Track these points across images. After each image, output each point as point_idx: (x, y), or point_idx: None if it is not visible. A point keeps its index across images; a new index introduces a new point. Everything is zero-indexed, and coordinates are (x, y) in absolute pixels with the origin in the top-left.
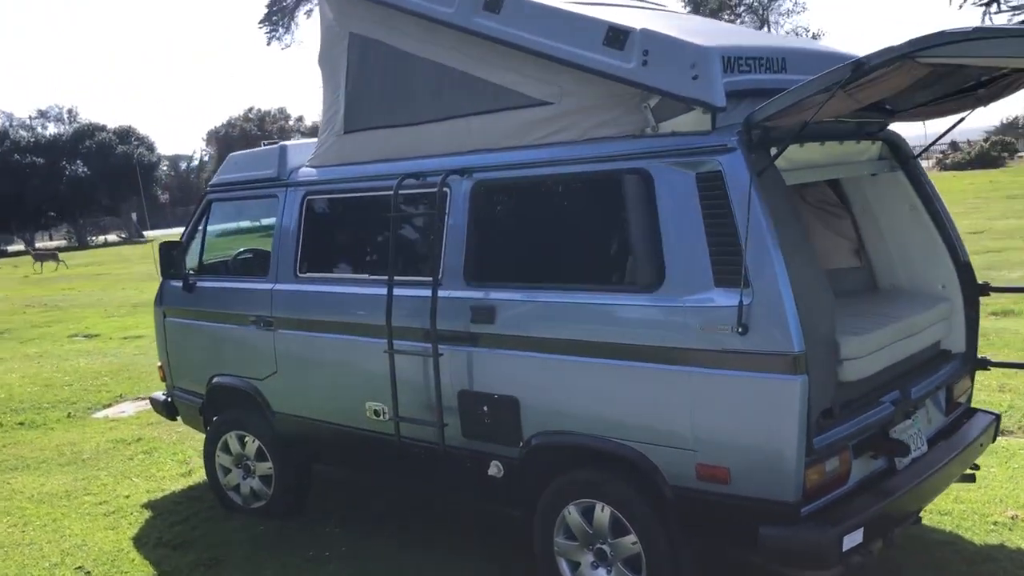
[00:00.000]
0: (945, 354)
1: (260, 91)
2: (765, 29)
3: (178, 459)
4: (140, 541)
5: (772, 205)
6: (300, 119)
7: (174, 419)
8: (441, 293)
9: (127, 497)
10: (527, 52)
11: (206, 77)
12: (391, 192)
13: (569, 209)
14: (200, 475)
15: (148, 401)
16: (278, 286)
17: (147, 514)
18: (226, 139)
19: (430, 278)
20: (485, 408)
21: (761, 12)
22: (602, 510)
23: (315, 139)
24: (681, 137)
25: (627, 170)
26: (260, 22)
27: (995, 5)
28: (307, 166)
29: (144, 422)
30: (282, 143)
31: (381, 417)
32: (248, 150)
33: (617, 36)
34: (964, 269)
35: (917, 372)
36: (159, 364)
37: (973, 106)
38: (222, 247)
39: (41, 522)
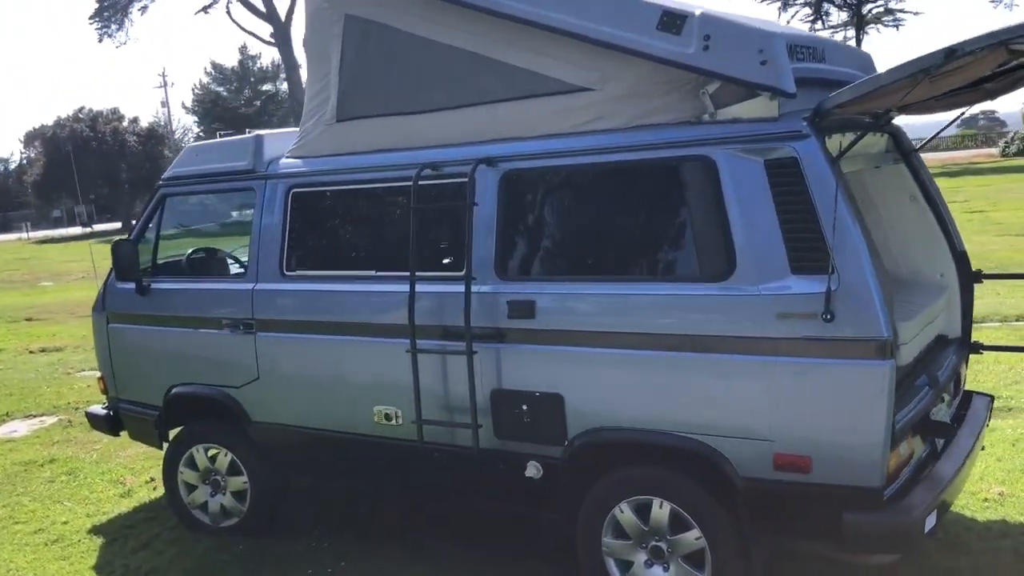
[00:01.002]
0: (946, 340)
1: (91, 90)
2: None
3: (109, 479)
4: (103, 571)
5: (847, 192)
6: (135, 120)
7: (117, 434)
8: (472, 288)
9: (65, 523)
10: (565, 35)
11: (24, 75)
12: (405, 183)
13: (620, 198)
14: (143, 495)
15: (86, 416)
16: (260, 286)
17: (98, 541)
18: (54, 140)
19: (458, 273)
20: (524, 407)
21: None
22: (660, 506)
23: (289, 129)
24: (747, 124)
25: (687, 157)
26: (90, 18)
27: None
28: (289, 157)
29: (47, 441)
30: (257, 132)
31: (394, 421)
32: (211, 140)
33: (673, 20)
34: (961, 258)
35: (934, 357)
36: (99, 375)
37: (983, 99)
38: (181, 246)
39: None
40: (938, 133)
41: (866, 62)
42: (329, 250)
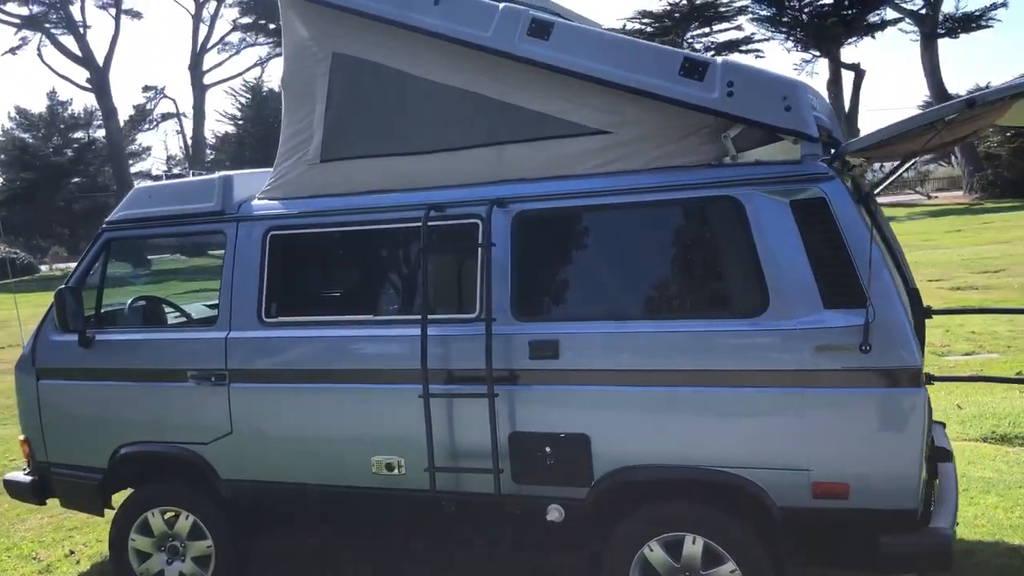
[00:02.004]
0: None
1: None
2: None
3: (18, 555)
4: None
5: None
6: None
7: (43, 503)
8: (483, 329)
9: None
10: (584, 80)
11: None
12: (406, 224)
13: (644, 238)
14: (66, 570)
15: (3, 484)
16: (235, 334)
17: None
18: None
19: (470, 315)
20: (547, 449)
21: None
22: (693, 542)
23: (257, 170)
24: (771, 166)
25: (713, 198)
26: None
27: None
28: (262, 198)
29: None
30: (223, 173)
31: (396, 471)
32: (166, 182)
33: (695, 67)
34: (913, 294)
35: None
36: (22, 438)
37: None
38: (127, 294)
39: None
40: (893, 175)
41: (830, 110)
42: (317, 295)
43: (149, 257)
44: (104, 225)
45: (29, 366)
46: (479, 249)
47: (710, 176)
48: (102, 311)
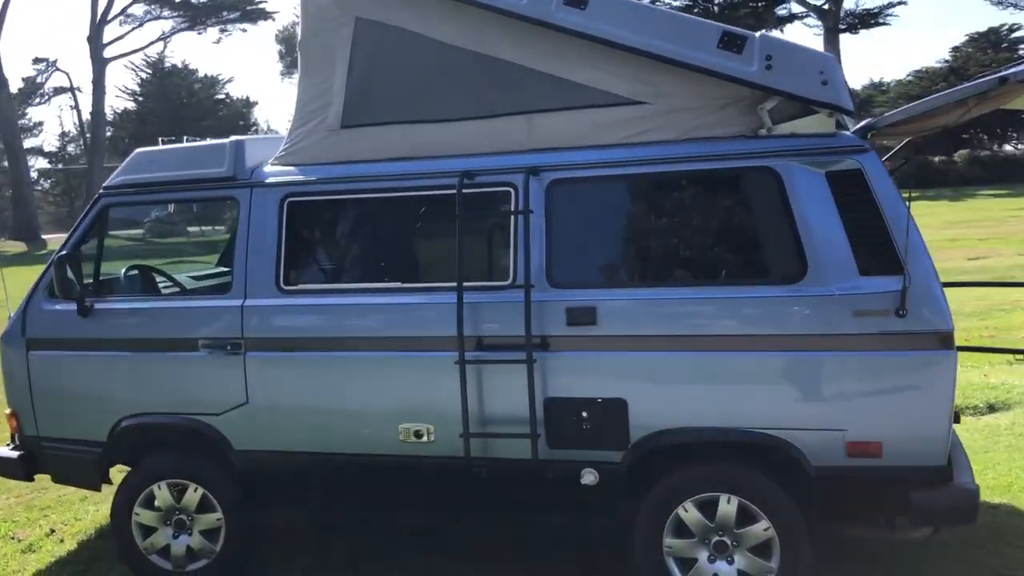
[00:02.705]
0: None
1: None
2: None
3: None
4: None
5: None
6: None
7: (31, 479)
8: (517, 296)
9: None
10: (622, 50)
11: None
12: (436, 192)
13: (682, 207)
14: (51, 548)
15: None
16: (251, 302)
17: None
18: None
19: (504, 282)
20: (583, 414)
21: None
22: (728, 501)
23: (267, 135)
24: (808, 138)
25: (751, 168)
26: None
27: None
28: (276, 164)
29: None
30: (235, 138)
31: (425, 438)
32: (169, 146)
33: (734, 40)
34: None
35: None
36: (8, 412)
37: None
38: (128, 262)
39: None
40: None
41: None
42: (341, 263)
43: (147, 223)
44: (101, 190)
45: (18, 337)
46: (512, 217)
47: (748, 147)
48: (101, 279)
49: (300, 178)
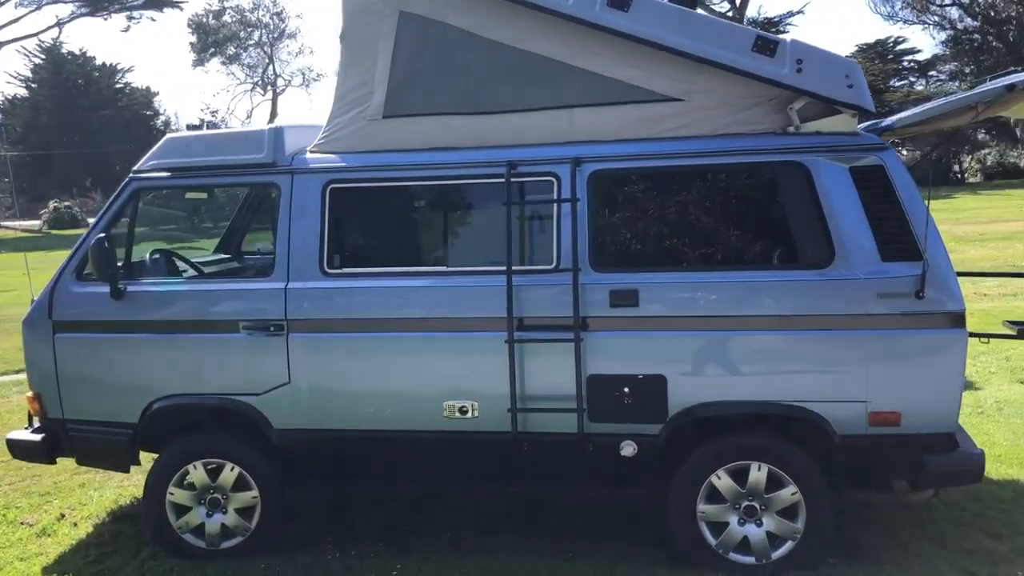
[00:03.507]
0: None
1: None
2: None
3: (3, 520)
4: None
5: None
6: None
7: (53, 462)
8: (561, 279)
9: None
10: (661, 50)
11: None
12: (481, 180)
13: (718, 197)
14: (67, 532)
15: (7, 444)
16: (295, 285)
17: None
18: None
19: (548, 266)
20: (624, 389)
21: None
22: (759, 469)
23: (304, 123)
24: (833, 136)
25: (783, 162)
26: None
27: None
28: (317, 152)
29: None
30: (273, 125)
31: (470, 414)
32: (205, 132)
33: (767, 44)
34: None
35: None
36: (30, 394)
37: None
38: (154, 244)
39: None
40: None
41: None
42: (384, 247)
43: (205, 205)
44: (132, 174)
45: (44, 319)
46: (556, 205)
47: (780, 143)
48: (132, 261)
49: (343, 165)
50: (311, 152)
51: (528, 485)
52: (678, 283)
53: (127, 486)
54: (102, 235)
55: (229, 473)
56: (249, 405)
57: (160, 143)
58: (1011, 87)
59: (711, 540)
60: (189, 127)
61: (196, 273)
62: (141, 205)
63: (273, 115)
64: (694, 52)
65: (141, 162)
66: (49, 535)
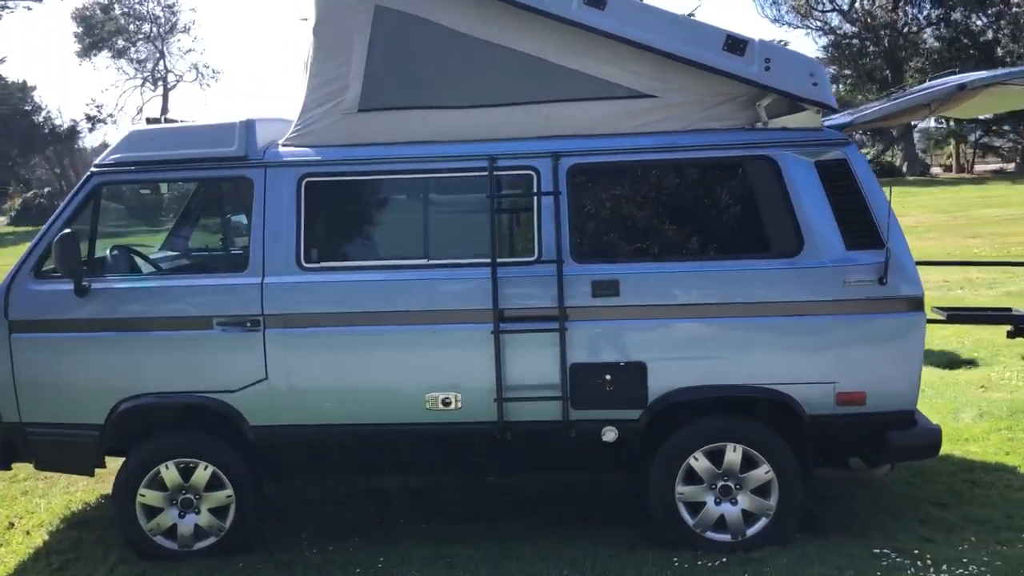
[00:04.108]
0: None
1: None
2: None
3: None
4: None
5: None
6: None
7: (8, 467)
8: (543, 271)
9: None
10: (636, 48)
11: None
12: (460, 174)
13: (691, 189)
14: (20, 540)
15: None
16: (272, 279)
17: None
18: None
19: (530, 259)
20: (607, 376)
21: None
22: (734, 450)
23: (274, 117)
24: (798, 131)
25: (752, 156)
26: None
27: None
28: (291, 145)
29: None
30: (244, 118)
31: (453, 406)
32: (169, 125)
33: (737, 43)
34: None
35: None
36: None
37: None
38: (117, 240)
39: None
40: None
41: None
42: (364, 241)
43: (139, 201)
44: (93, 169)
45: (0, 319)
46: (536, 198)
47: (749, 138)
48: (95, 258)
49: (320, 158)
50: (283, 146)
51: (511, 473)
52: (657, 273)
53: (74, 492)
54: (68, 231)
55: (202, 472)
56: (223, 402)
57: (123, 136)
58: (962, 86)
59: (689, 520)
60: (149, 120)
61: (155, 270)
62: (103, 201)
63: (164, 111)
64: (668, 50)
65: (103, 156)
66: (1, 545)
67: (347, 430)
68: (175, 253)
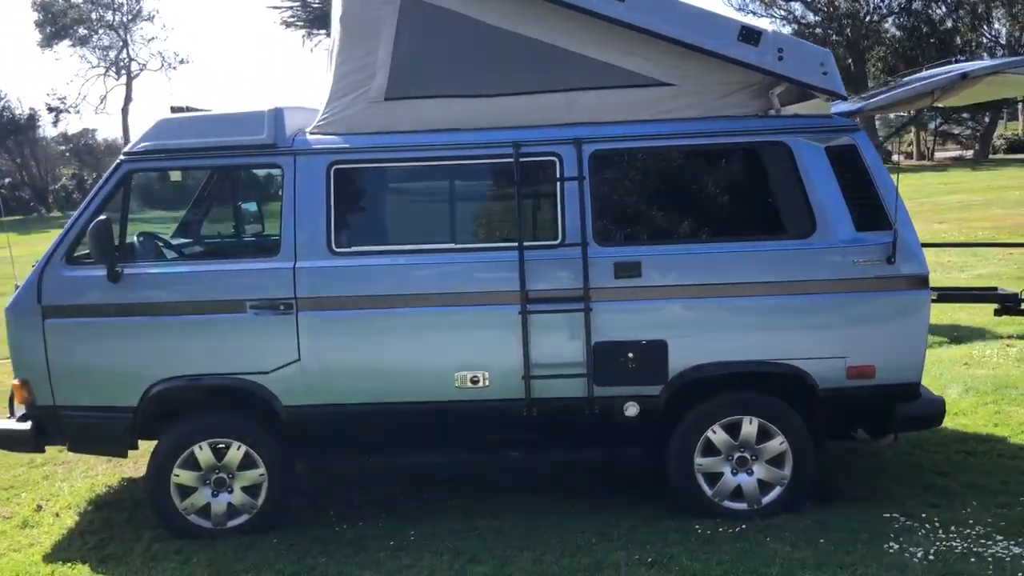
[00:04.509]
0: None
1: None
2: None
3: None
4: None
5: None
6: None
7: (41, 450)
8: (566, 253)
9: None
10: (656, 38)
11: None
12: (485, 161)
13: (709, 174)
14: (51, 522)
15: None
16: (304, 264)
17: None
18: None
19: (554, 242)
20: (629, 354)
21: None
22: (750, 423)
23: (296, 105)
24: (809, 118)
25: (766, 142)
26: None
27: None
28: (318, 133)
29: None
30: (273, 106)
31: (481, 384)
32: (199, 113)
33: (751, 34)
34: None
35: None
36: (16, 382)
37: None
38: (148, 227)
39: None
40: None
41: None
42: (393, 225)
43: (196, 187)
44: (123, 156)
45: (32, 305)
46: (559, 183)
47: (763, 124)
48: (126, 244)
49: (348, 146)
50: (311, 134)
51: (535, 448)
52: (677, 255)
53: (95, 476)
54: (104, 217)
55: (235, 452)
56: (257, 383)
57: (153, 124)
58: (965, 75)
59: (707, 490)
60: (173, 109)
61: (181, 256)
62: (133, 187)
63: (128, 100)
64: (687, 41)
65: (132, 144)
66: (33, 526)
67: (377, 408)
68: (197, 239)
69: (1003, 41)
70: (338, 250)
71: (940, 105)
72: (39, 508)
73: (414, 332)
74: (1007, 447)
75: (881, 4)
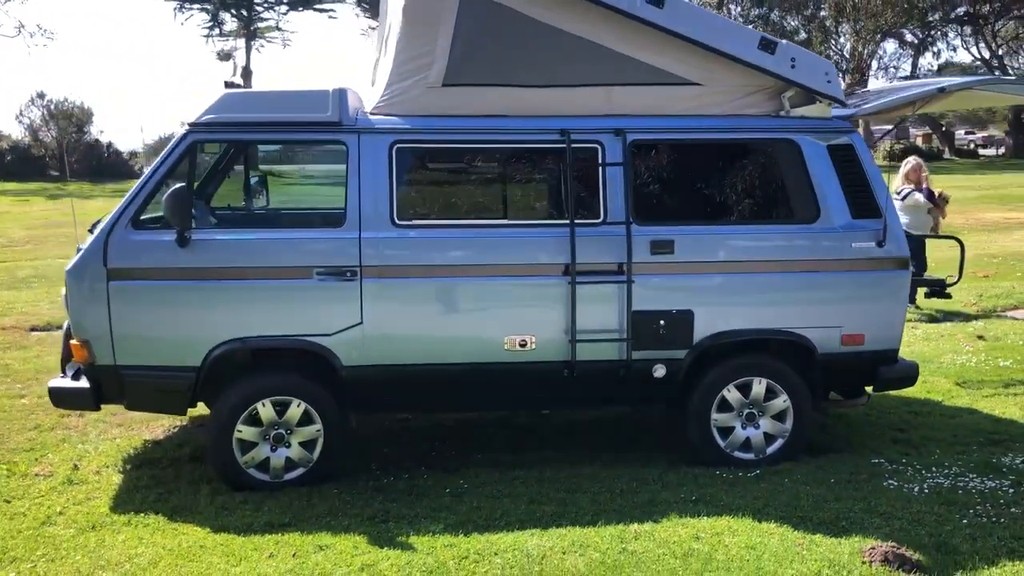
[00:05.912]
0: None
1: None
2: None
3: (19, 473)
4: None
5: None
6: None
7: (98, 408)
8: (608, 231)
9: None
10: (690, 43)
11: None
12: (532, 145)
13: (731, 164)
14: (96, 480)
15: (49, 393)
16: (368, 234)
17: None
18: None
19: (597, 220)
20: (662, 322)
21: None
22: (759, 383)
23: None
24: (814, 120)
25: (779, 139)
26: None
27: None
28: (379, 113)
29: None
30: (336, 86)
31: (528, 346)
32: (266, 89)
33: (769, 44)
34: None
35: None
36: (75, 342)
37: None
38: (228, 195)
39: None
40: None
41: None
42: (450, 201)
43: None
44: (188, 126)
45: (97, 268)
46: (601, 167)
47: (776, 124)
48: (197, 212)
49: (409, 127)
50: (372, 114)
51: (572, 407)
52: (703, 235)
53: (115, 439)
54: (182, 184)
55: (295, 409)
56: (320, 344)
57: (218, 98)
58: (942, 89)
59: (721, 442)
60: (227, 84)
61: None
62: (196, 156)
63: None
64: (716, 46)
65: (197, 115)
66: (78, 483)
67: (431, 368)
68: (260, 208)
69: (847, 54)
70: (400, 223)
71: (920, 112)
72: (75, 467)
73: (468, 299)
74: (944, 409)
75: (740, 15)
